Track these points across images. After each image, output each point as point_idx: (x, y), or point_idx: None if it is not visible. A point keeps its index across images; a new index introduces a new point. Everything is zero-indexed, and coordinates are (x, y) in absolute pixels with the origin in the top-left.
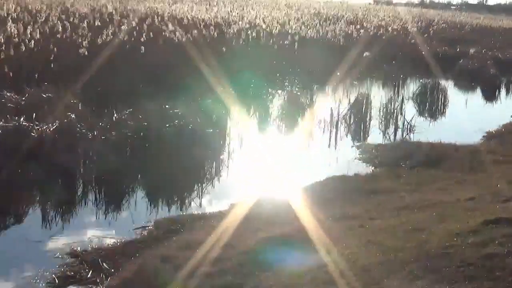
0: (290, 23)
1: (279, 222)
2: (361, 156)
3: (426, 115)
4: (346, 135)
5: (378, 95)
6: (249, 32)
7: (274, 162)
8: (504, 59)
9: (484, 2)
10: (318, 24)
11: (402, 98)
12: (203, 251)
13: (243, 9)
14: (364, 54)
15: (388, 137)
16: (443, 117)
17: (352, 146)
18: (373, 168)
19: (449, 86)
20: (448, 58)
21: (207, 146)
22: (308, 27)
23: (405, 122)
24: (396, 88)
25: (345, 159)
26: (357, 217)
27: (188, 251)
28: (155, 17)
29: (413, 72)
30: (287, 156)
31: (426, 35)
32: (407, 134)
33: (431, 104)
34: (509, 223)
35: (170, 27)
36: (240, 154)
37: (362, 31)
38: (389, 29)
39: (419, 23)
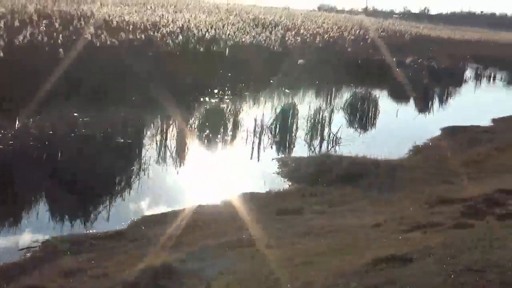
0: (225, 28)
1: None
2: (280, 170)
3: (355, 126)
4: (271, 146)
5: (308, 104)
6: (179, 36)
7: (188, 175)
8: (439, 69)
9: (426, 11)
10: (253, 30)
11: (332, 108)
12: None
13: (176, 12)
14: (298, 62)
15: (313, 150)
16: (373, 129)
17: (274, 159)
18: (290, 183)
19: (382, 95)
20: (384, 67)
21: (118, 157)
22: (244, 33)
23: (331, 134)
24: (327, 97)
25: (263, 173)
26: (253, 244)
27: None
28: (82, 18)
29: (347, 81)
30: (202, 170)
31: (362, 43)
32: (333, 146)
33: (362, 115)
34: (400, 262)
35: (93, 30)
36: (153, 166)
37: (298, 38)
38: (326, 36)
39: (358, 31)
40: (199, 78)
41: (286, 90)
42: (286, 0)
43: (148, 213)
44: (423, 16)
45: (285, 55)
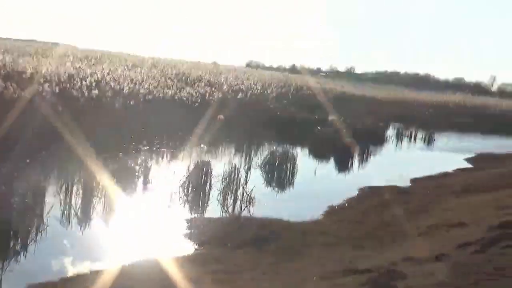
0: (144, 83)
1: None
2: (189, 232)
3: (272, 185)
4: (183, 206)
5: (225, 162)
6: (93, 90)
7: (83, 237)
8: (361, 128)
9: (352, 70)
10: (174, 85)
11: (249, 166)
12: None
13: (96, 65)
14: (218, 118)
15: (226, 210)
16: (290, 188)
17: (185, 220)
18: (196, 247)
19: (302, 154)
20: (306, 125)
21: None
22: (164, 88)
23: (245, 193)
24: (245, 155)
25: (171, 235)
26: None
27: None
28: None
29: (267, 138)
30: (104, 231)
31: (285, 101)
32: (246, 206)
33: (279, 173)
34: None
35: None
36: (51, 230)
37: (220, 94)
38: (249, 93)
39: (282, 88)
40: (112, 133)
41: (203, 147)
42: (215, 56)
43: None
44: (349, 75)
45: (205, 110)
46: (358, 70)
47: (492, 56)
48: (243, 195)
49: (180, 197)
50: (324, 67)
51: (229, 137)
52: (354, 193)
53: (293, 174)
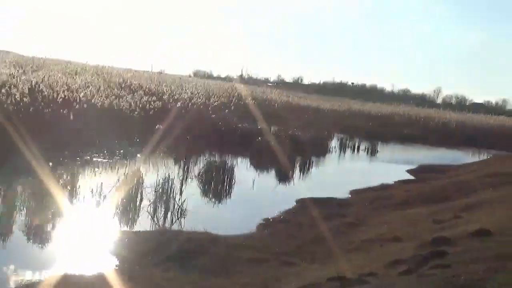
0: (80, 91)
1: None
2: (110, 247)
3: (207, 196)
4: (111, 218)
5: (159, 173)
6: (24, 98)
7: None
8: (305, 138)
9: (300, 81)
10: (114, 94)
11: (185, 177)
12: None
13: (30, 72)
14: (156, 127)
15: (156, 222)
16: (225, 200)
17: (107, 233)
18: (116, 264)
19: (241, 164)
20: (247, 135)
21: None
22: (104, 96)
23: (176, 205)
24: (182, 166)
25: (90, 251)
26: None
27: None
28: None
29: (206, 148)
30: (20, 246)
31: (227, 110)
32: (178, 219)
33: (216, 184)
34: None
35: None
36: None
37: (159, 103)
38: (190, 103)
39: (226, 98)
40: (41, 142)
41: (139, 156)
42: (162, 65)
43: None
44: (296, 85)
45: (144, 120)
46: (306, 81)
47: (438, 68)
48: (174, 207)
49: (108, 209)
50: (272, 78)
51: (166, 147)
52: (292, 205)
53: (230, 185)
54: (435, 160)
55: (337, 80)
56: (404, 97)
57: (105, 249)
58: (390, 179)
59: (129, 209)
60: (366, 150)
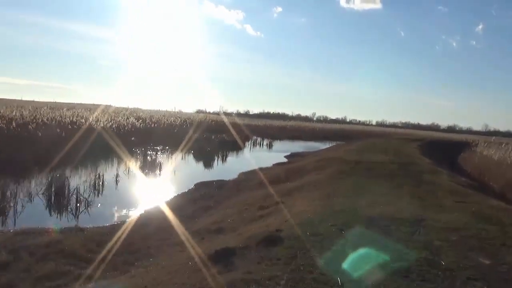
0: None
1: None
2: None
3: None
4: None
5: None
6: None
7: None
8: (226, 140)
9: (248, 112)
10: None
11: None
12: None
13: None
14: None
15: None
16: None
17: None
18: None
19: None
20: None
21: None
22: None
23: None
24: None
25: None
26: None
27: None
28: None
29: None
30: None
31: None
32: None
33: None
34: None
35: None
36: None
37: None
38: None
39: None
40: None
41: None
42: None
43: None
44: (245, 115)
45: None
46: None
47: (314, 98)
48: None
49: None
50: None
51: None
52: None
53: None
54: (304, 149)
55: (266, 110)
56: (295, 117)
57: None
58: (271, 163)
59: None
60: (267, 145)
